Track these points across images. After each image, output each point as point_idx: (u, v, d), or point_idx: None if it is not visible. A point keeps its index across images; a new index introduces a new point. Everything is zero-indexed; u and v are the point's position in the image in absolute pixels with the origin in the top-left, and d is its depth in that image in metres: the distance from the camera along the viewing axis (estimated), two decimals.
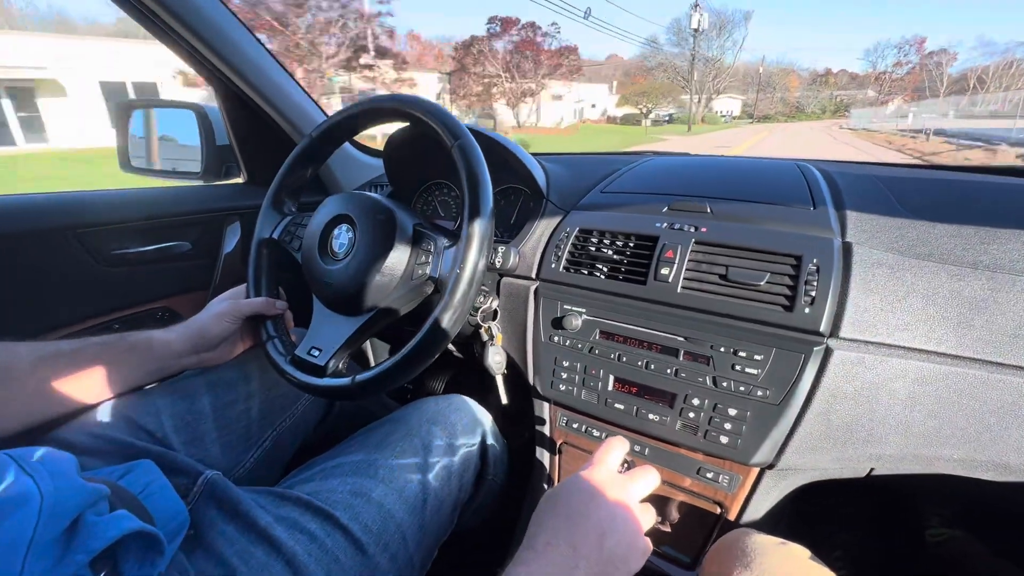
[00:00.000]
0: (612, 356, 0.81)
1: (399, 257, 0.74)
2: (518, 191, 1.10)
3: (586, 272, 0.84)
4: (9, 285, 0.93)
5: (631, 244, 0.83)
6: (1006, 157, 15.82)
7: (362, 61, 25.57)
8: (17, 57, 18.10)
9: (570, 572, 0.47)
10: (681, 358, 0.76)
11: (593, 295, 0.83)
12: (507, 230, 1.10)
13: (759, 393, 0.69)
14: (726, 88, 72.34)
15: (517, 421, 1.07)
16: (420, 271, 0.74)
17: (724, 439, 0.72)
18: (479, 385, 1.09)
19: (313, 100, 1.25)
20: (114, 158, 1.24)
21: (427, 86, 35.10)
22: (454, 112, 0.87)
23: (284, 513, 0.62)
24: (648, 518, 0.56)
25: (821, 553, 0.58)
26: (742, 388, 0.70)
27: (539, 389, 0.89)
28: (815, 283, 0.68)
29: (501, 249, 0.89)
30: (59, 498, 0.43)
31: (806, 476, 0.75)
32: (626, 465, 0.65)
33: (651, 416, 0.77)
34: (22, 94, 18.77)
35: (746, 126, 54.41)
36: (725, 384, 0.72)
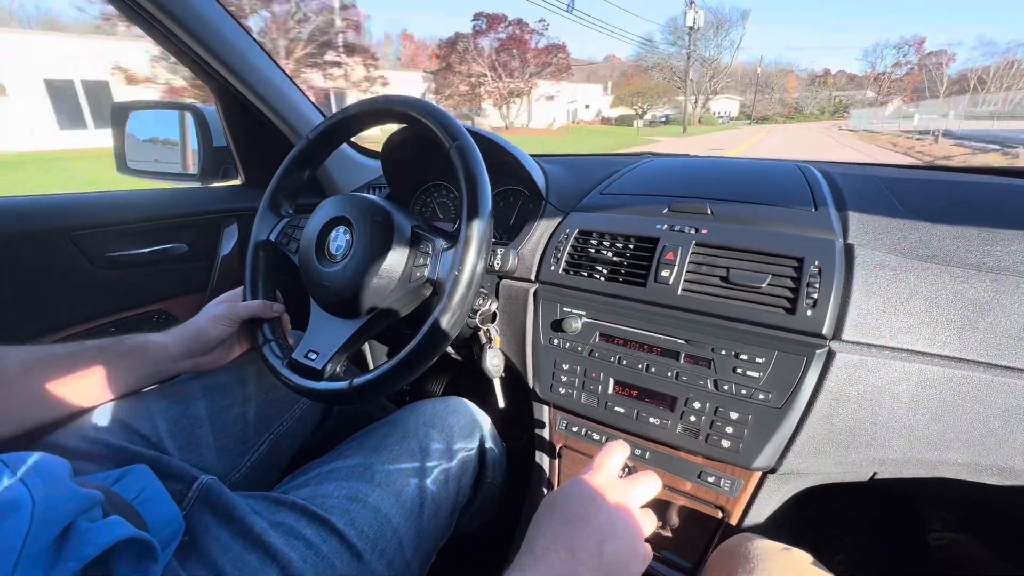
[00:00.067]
0: (612, 359, 0.80)
1: (397, 259, 0.73)
2: (517, 192, 1.10)
3: (586, 274, 0.84)
4: (3, 288, 0.92)
5: (631, 246, 0.82)
6: None
7: (327, 58, 23.94)
8: None
9: None
10: (682, 361, 0.75)
11: (593, 297, 0.83)
12: (506, 232, 1.09)
13: (761, 396, 0.69)
14: (723, 89, 71.94)
15: (516, 424, 1.06)
16: (418, 273, 0.74)
17: (726, 443, 0.71)
18: (478, 388, 1.08)
19: (311, 101, 1.24)
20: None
21: (412, 85, 34.09)
22: None
23: (279, 519, 0.61)
24: (649, 524, 0.56)
25: (823, 557, 0.57)
26: (744, 391, 0.70)
27: (538, 392, 0.88)
28: (817, 285, 0.67)
29: (500, 251, 0.89)
30: (51, 504, 0.42)
31: (808, 480, 0.75)
32: (627, 469, 0.64)
33: (652, 419, 0.77)
34: None
35: (744, 127, 53.90)
36: (726, 387, 0.71)
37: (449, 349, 1.08)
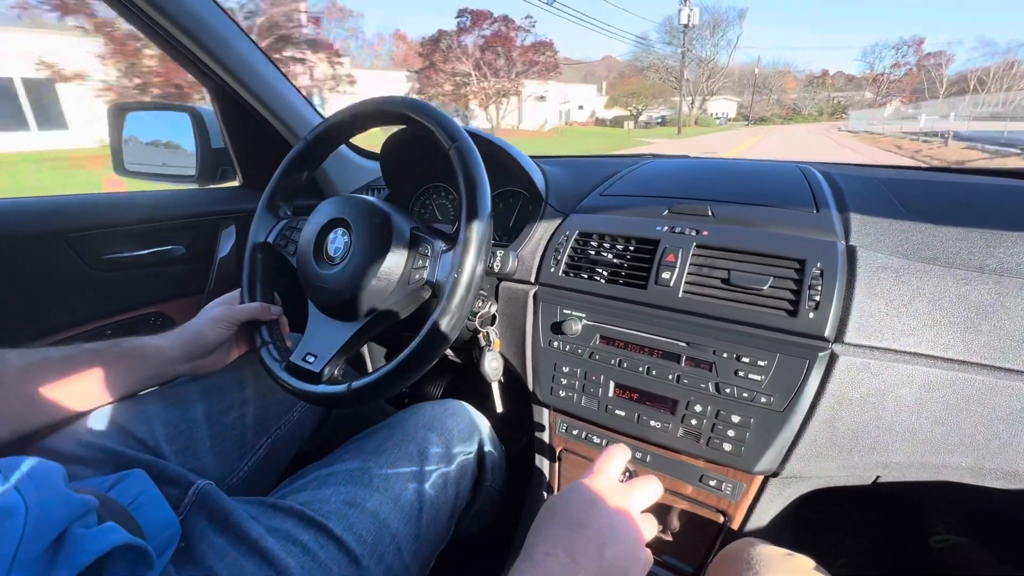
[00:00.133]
0: (613, 362, 0.79)
1: (396, 261, 0.73)
2: (517, 194, 1.09)
3: (586, 276, 0.83)
4: None
5: (631, 248, 0.81)
6: None
7: (287, 54, 21.81)
8: None
9: None
10: (683, 364, 0.74)
11: (593, 299, 0.82)
12: (506, 234, 1.09)
13: (763, 400, 0.68)
14: (720, 89, 71.54)
15: (515, 426, 1.06)
16: (417, 275, 0.73)
17: (727, 446, 0.71)
18: (477, 390, 1.08)
19: (309, 102, 1.24)
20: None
21: (396, 85, 33.04)
22: None
23: (276, 524, 0.61)
24: (649, 529, 0.55)
25: (826, 561, 0.57)
26: (745, 394, 0.69)
27: (538, 395, 0.88)
28: (819, 287, 0.67)
29: (500, 253, 0.88)
30: (45, 510, 0.42)
31: (811, 484, 0.74)
32: (627, 474, 0.64)
33: (652, 423, 0.76)
34: None
35: (741, 128, 53.42)
36: (728, 390, 0.71)
37: (448, 352, 1.07)
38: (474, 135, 0.83)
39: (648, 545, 0.54)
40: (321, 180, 1.31)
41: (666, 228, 0.80)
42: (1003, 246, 0.67)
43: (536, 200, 1.00)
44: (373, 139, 1.17)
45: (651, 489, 0.58)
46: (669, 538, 0.81)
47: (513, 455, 1.00)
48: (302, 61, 22.88)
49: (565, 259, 0.86)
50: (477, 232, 0.67)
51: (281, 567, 0.56)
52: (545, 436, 0.92)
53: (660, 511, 0.80)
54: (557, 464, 0.92)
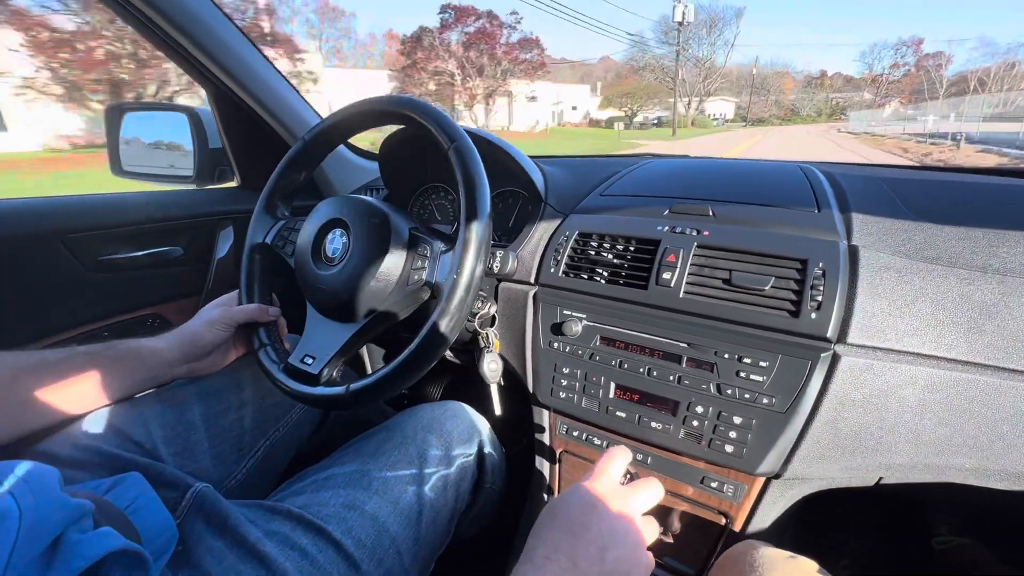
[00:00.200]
0: (613, 363, 0.79)
1: (394, 262, 0.72)
2: (516, 194, 1.09)
3: (586, 277, 0.83)
4: None
5: (632, 248, 0.81)
6: None
7: None
8: None
9: None
10: (684, 365, 0.74)
11: (593, 300, 0.82)
12: (505, 234, 1.09)
13: (765, 401, 0.68)
14: (718, 90, 70.96)
15: (515, 428, 1.05)
16: (416, 276, 0.73)
17: (729, 448, 0.70)
18: (477, 392, 1.07)
19: (307, 103, 1.23)
20: None
21: (377, 85, 31.76)
22: None
23: (275, 528, 0.60)
24: (651, 532, 0.55)
25: (828, 563, 0.56)
26: (747, 395, 0.69)
27: (539, 397, 0.87)
28: (821, 287, 0.66)
29: (499, 253, 0.88)
30: (39, 515, 0.41)
31: (813, 485, 0.74)
32: (628, 476, 0.64)
33: (654, 424, 0.76)
34: None
35: (739, 130, 52.84)
36: (730, 391, 0.70)
37: (448, 353, 1.07)
38: (473, 135, 0.82)
39: (649, 548, 0.53)
40: (319, 180, 1.31)
41: (667, 228, 0.80)
42: (1006, 246, 0.66)
43: (536, 200, 0.99)
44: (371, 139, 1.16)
45: (652, 491, 0.57)
46: (670, 540, 0.80)
47: (513, 457, 0.99)
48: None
49: (565, 259, 0.85)
50: (476, 232, 0.67)
51: (279, 571, 0.56)
52: (545, 438, 0.91)
53: (661, 513, 0.79)
54: (557, 466, 0.91)
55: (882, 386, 0.63)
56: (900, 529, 1.11)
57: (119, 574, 0.46)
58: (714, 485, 0.75)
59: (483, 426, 0.90)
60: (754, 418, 0.68)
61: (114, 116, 1.23)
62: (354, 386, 0.68)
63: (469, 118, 34.10)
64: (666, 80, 61.79)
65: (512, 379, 0.94)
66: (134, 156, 1.25)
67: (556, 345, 0.84)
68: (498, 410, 0.92)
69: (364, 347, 1.38)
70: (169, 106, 1.27)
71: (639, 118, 54.17)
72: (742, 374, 0.69)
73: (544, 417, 0.91)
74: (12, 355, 0.63)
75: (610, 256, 0.82)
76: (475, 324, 0.90)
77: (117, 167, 1.23)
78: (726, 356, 0.71)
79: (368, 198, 0.78)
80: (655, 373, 0.76)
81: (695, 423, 0.73)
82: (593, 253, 0.84)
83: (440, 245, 0.73)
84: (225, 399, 0.79)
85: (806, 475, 0.70)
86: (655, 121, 52.78)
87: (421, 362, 0.67)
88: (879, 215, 0.76)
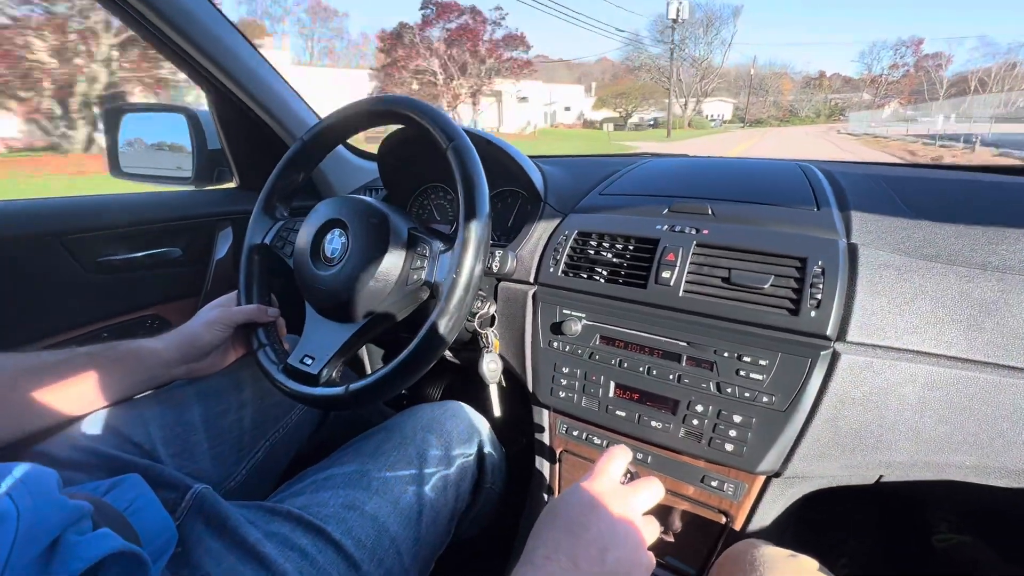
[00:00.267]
0: (613, 362, 0.79)
1: (393, 262, 0.72)
2: (515, 194, 1.09)
3: (585, 276, 0.83)
4: None
5: (631, 247, 0.81)
6: None
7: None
8: None
9: None
10: (684, 364, 0.74)
11: (593, 299, 0.82)
12: (504, 233, 1.08)
13: (764, 399, 0.68)
14: (715, 90, 70.12)
15: (515, 428, 1.05)
16: (415, 276, 0.73)
17: (729, 447, 0.70)
18: (477, 392, 1.07)
19: (305, 103, 1.23)
20: None
21: (357, 85, 30.02)
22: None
23: (274, 529, 0.60)
24: (651, 531, 0.55)
25: (829, 561, 0.56)
26: (747, 394, 0.69)
27: (538, 396, 0.87)
28: (821, 286, 0.66)
29: (498, 253, 0.88)
30: (38, 517, 0.41)
31: (813, 484, 0.74)
32: (628, 475, 0.63)
33: (653, 423, 0.75)
34: None
35: (737, 131, 51.84)
36: (729, 390, 0.70)
37: (448, 353, 1.07)
38: (472, 134, 0.82)
39: (650, 547, 0.53)
40: (318, 181, 1.31)
41: (666, 227, 0.80)
42: (1006, 243, 0.66)
43: (535, 200, 0.99)
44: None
45: (652, 491, 0.57)
46: (671, 540, 0.80)
47: (513, 457, 0.99)
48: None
49: (564, 259, 0.85)
50: (475, 232, 0.67)
51: (279, 572, 0.56)
52: (545, 437, 0.91)
53: (662, 512, 0.79)
54: (557, 466, 0.91)
55: (882, 384, 0.63)
56: (900, 527, 1.11)
57: (118, 575, 0.46)
58: (714, 484, 0.75)
59: (483, 426, 0.90)
60: (754, 417, 0.68)
61: (113, 117, 1.23)
62: (353, 386, 0.68)
63: (454, 118, 32.31)
64: (662, 80, 59.99)
65: (512, 379, 0.94)
66: (133, 157, 1.25)
67: (556, 344, 0.84)
68: (497, 411, 0.92)
69: (364, 347, 1.38)
70: (168, 107, 1.27)
71: (635, 119, 53.39)
72: (742, 373, 0.69)
73: (544, 417, 0.91)
74: (11, 356, 0.63)
75: (609, 255, 0.82)
76: (475, 324, 0.90)
77: (116, 168, 1.23)
78: (726, 355, 0.71)
79: (367, 198, 0.78)
80: (655, 372, 0.76)
81: (695, 422, 0.73)
82: (592, 252, 0.84)
83: (439, 245, 0.73)
84: (224, 400, 0.79)
85: (806, 473, 0.70)
86: (651, 122, 51.89)
87: (420, 362, 0.67)
88: (878, 213, 0.76)
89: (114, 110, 1.24)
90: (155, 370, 0.73)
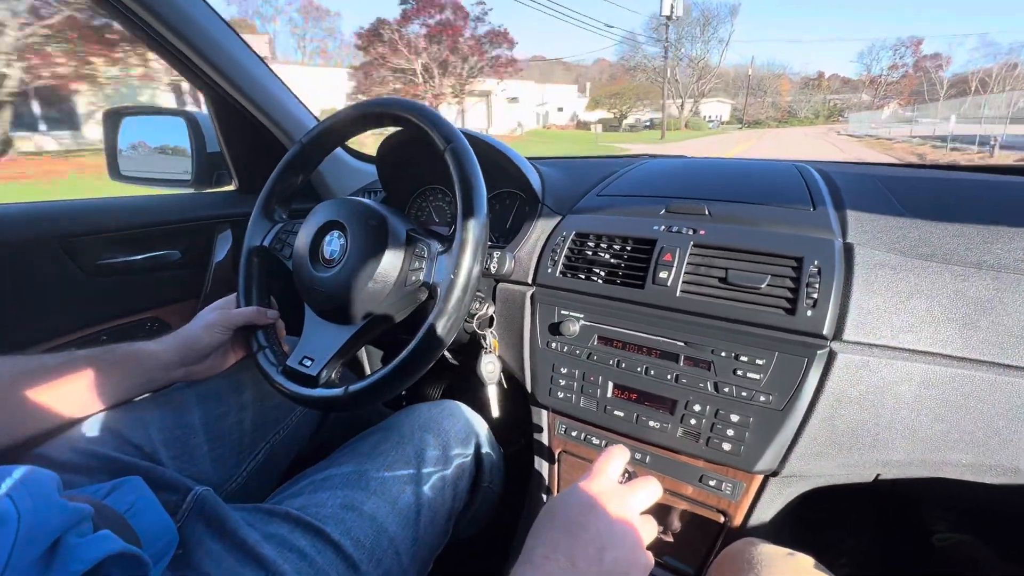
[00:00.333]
0: (611, 362, 0.79)
1: (392, 263, 0.72)
2: (513, 195, 1.09)
3: (583, 277, 0.83)
4: None
5: (628, 247, 0.81)
6: None
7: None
8: None
9: None
10: (681, 363, 0.74)
11: (590, 300, 0.82)
12: (503, 235, 1.09)
13: (762, 398, 0.68)
14: (713, 91, 69.03)
15: (514, 427, 1.05)
16: (414, 277, 0.73)
17: (727, 446, 0.70)
18: (477, 393, 1.08)
19: (304, 106, 1.24)
20: None
21: (335, 84, 28.91)
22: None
23: (273, 530, 0.60)
24: (649, 531, 0.55)
25: (827, 560, 0.56)
26: (744, 393, 0.69)
27: (537, 396, 0.87)
28: (817, 285, 0.67)
29: (496, 254, 0.88)
30: (38, 519, 0.41)
31: (811, 483, 0.74)
32: (627, 475, 0.64)
33: (651, 423, 0.76)
34: None
35: (734, 132, 50.55)
36: (727, 389, 0.70)
37: (447, 354, 1.07)
38: (470, 136, 0.82)
39: (648, 547, 0.53)
40: (317, 183, 1.31)
41: (663, 227, 0.80)
42: (1000, 242, 0.67)
43: (533, 201, 1.00)
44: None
45: (650, 490, 0.57)
46: (669, 539, 0.80)
47: (512, 457, 1.00)
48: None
49: (562, 260, 0.85)
50: (473, 233, 0.67)
51: (278, 573, 0.56)
52: (544, 438, 0.92)
53: (660, 512, 0.79)
54: (556, 466, 0.91)
55: (878, 383, 0.64)
56: (898, 525, 1.11)
57: None
58: (712, 483, 0.75)
59: (480, 425, 0.90)
60: (751, 416, 0.69)
61: (112, 120, 1.24)
62: (352, 388, 0.68)
63: None
64: (658, 80, 57.72)
65: (511, 379, 0.94)
66: (132, 160, 1.25)
67: (554, 345, 0.84)
68: (495, 411, 0.92)
69: (363, 348, 1.38)
70: (167, 110, 1.27)
71: (630, 120, 52.46)
72: (739, 372, 0.69)
73: (543, 417, 0.91)
74: (11, 359, 0.63)
75: (607, 256, 0.82)
76: (473, 325, 0.90)
77: (115, 171, 1.23)
78: (723, 354, 0.71)
79: (365, 200, 0.78)
80: (652, 372, 0.76)
81: (693, 421, 0.73)
82: (590, 253, 0.84)
83: (437, 246, 0.74)
84: (224, 402, 0.79)
85: (804, 472, 0.70)
86: (647, 123, 51.27)
87: (419, 363, 0.67)
88: (874, 212, 0.77)
89: (113, 113, 1.24)
90: (154, 373, 0.73)
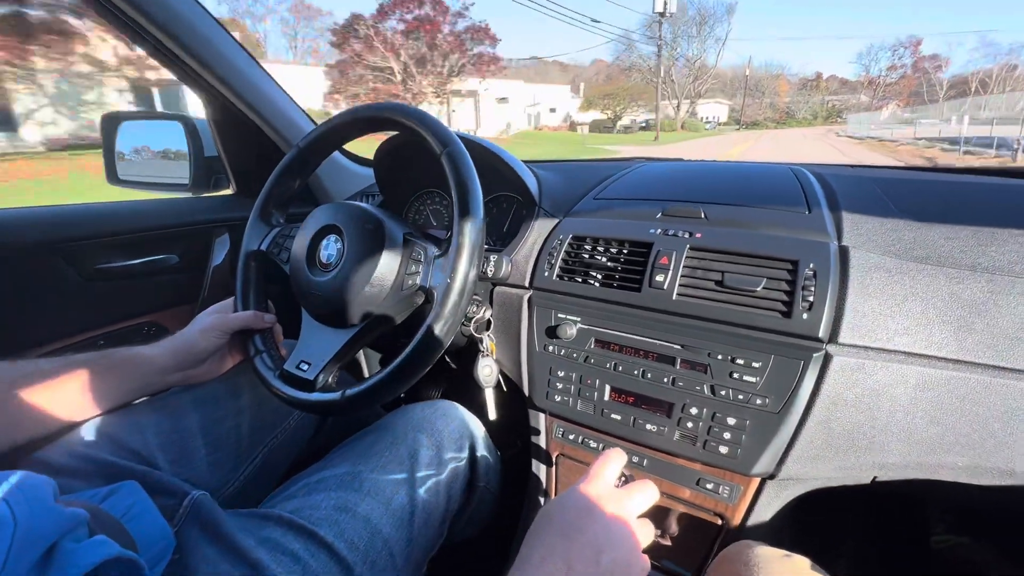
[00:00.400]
0: (608, 365, 0.79)
1: (389, 267, 0.72)
2: (510, 199, 1.09)
3: (580, 280, 0.83)
4: None
5: (625, 251, 0.82)
6: None
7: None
8: None
9: None
10: (678, 366, 0.74)
11: (587, 303, 0.82)
12: (499, 238, 1.09)
13: (758, 401, 0.68)
14: (710, 92, 68.36)
15: (510, 430, 1.05)
16: (410, 281, 0.73)
17: (723, 449, 0.71)
18: (474, 396, 1.08)
19: (302, 110, 1.24)
20: None
21: (311, 84, 27.14)
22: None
23: (266, 534, 0.60)
24: (646, 534, 0.55)
25: (825, 562, 0.56)
26: (741, 396, 0.69)
27: (534, 400, 0.88)
28: (812, 288, 0.67)
29: (493, 258, 0.88)
30: (34, 524, 0.41)
31: (808, 485, 0.74)
32: (624, 478, 0.64)
33: (648, 426, 0.76)
34: None
35: (732, 133, 49.46)
36: (723, 392, 0.70)
37: (445, 357, 1.07)
38: (466, 140, 0.83)
39: (645, 550, 0.53)
40: (315, 187, 1.31)
41: (659, 231, 0.80)
42: (995, 244, 0.67)
43: (529, 204, 1.00)
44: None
45: (647, 494, 0.57)
46: (667, 542, 0.80)
47: (509, 460, 1.00)
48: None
49: (559, 263, 0.86)
50: (470, 237, 0.67)
51: None
52: (541, 441, 0.92)
53: (657, 515, 0.79)
54: (554, 469, 0.91)
55: (874, 385, 0.64)
56: (896, 528, 1.11)
57: None
58: (709, 486, 0.75)
59: (475, 425, 0.90)
60: (748, 419, 0.69)
61: (110, 125, 1.24)
62: (350, 392, 0.68)
63: None
64: (653, 80, 54.54)
65: (508, 383, 0.94)
66: (130, 165, 1.25)
67: (551, 348, 0.84)
68: (492, 415, 0.92)
69: (361, 352, 1.38)
70: (165, 115, 1.27)
71: (625, 120, 51.41)
72: (735, 375, 0.70)
73: (540, 420, 0.91)
74: (7, 364, 0.63)
75: (604, 259, 0.83)
76: (471, 328, 0.90)
77: (113, 176, 1.24)
78: (719, 357, 0.71)
79: (362, 204, 0.78)
80: (649, 375, 0.76)
81: (689, 424, 0.73)
82: (587, 256, 0.84)
83: (434, 250, 0.74)
84: (222, 406, 0.79)
85: (800, 475, 0.70)
86: (643, 124, 50.50)
87: (416, 367, 0.67)
88: (869, 215, 0.77)
89: (111, 118, 1.24)
90: (151, 377, 0.73)
